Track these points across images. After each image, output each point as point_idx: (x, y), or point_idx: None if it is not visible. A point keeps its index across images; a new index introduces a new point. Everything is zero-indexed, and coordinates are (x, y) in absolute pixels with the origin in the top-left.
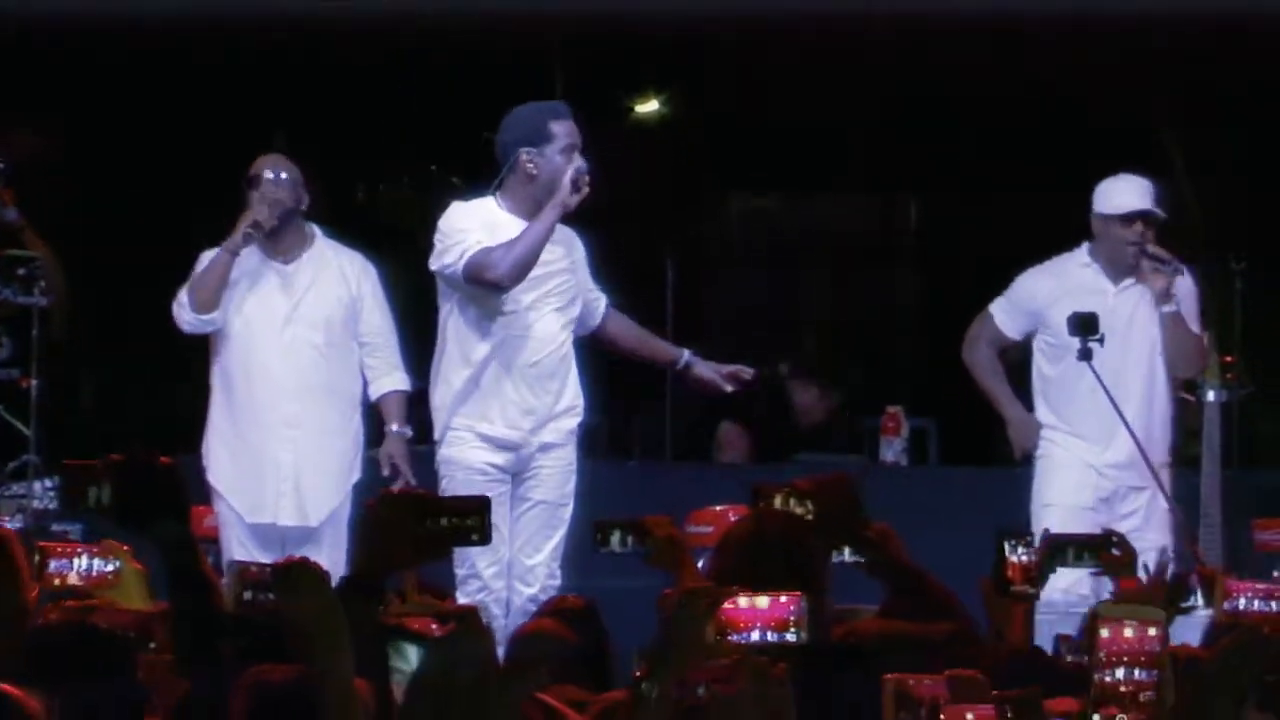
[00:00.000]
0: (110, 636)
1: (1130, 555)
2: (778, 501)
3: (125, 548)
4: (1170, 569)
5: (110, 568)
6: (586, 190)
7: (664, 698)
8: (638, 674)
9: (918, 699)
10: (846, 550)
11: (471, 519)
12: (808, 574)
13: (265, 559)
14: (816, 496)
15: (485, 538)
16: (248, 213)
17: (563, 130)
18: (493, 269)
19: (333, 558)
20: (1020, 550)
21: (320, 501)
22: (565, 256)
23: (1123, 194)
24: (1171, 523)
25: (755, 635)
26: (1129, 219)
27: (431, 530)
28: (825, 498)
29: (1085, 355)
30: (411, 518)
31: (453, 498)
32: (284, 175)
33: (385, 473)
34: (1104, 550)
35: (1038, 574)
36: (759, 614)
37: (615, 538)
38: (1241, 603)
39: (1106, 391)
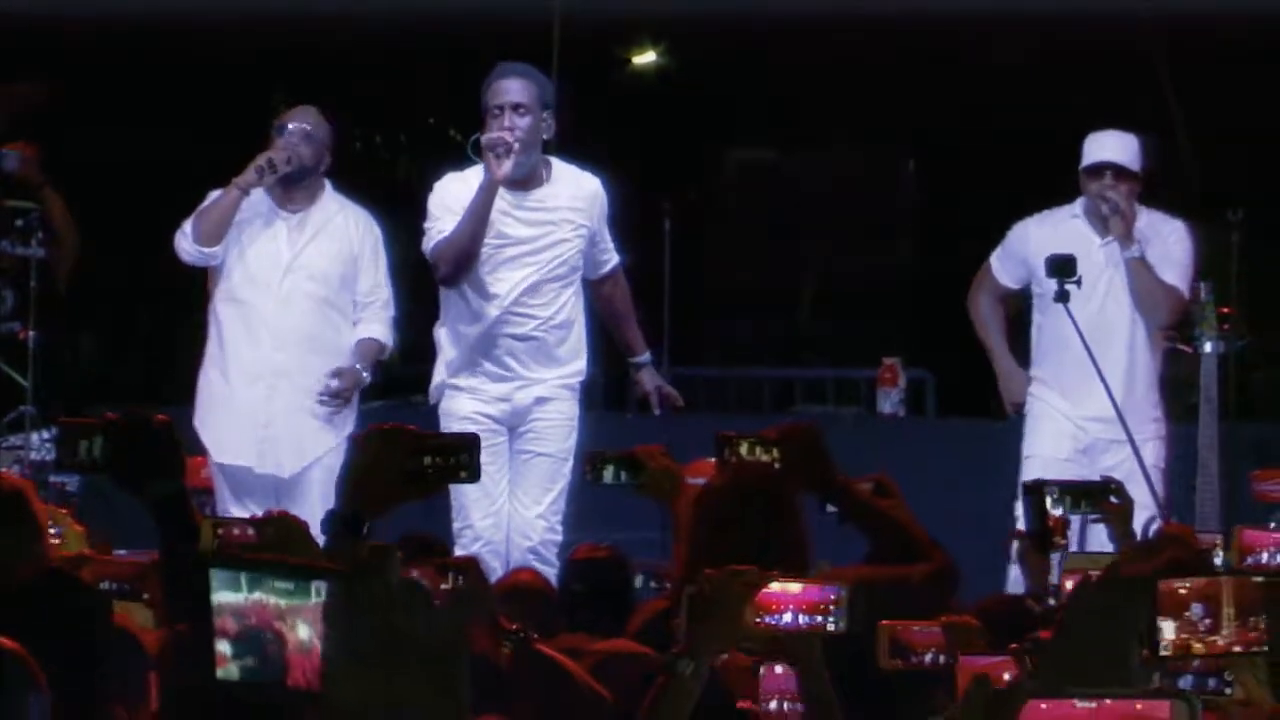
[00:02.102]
0: (84, 588)
1: (1128, 504)
2: (744, 449)
3: (64, 510)
4: (1153, 529)
5: (54, 530)
6: (509, 154)
7: (698, 675)
8: (675, 650)
9: (915, 645)
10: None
11: (460, 456)
12: (786, 521)
13: (257, 508)
14: (781, 445)
15: (474, 475)
16: (266, 151)
17: (491, 94)
18: (437, 268)
19: (326, 508)
20: (1059, 503)
21: (298, 453)
22: (568, 221)
23: (1094, 147)
24: (1158, 478)
25: (788, 618)
26: (1096, 170)
27: (420, 468)
28: (790, 445)
29: (1061, 297)
30: (400, 455)
31: (441, 434)
32: (312, 132)
33: (320, 389)
34: (1102, 498)
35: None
36: (795, 598)
37: (609, 471)
38: (1264, 557)
39: (1083, 338)
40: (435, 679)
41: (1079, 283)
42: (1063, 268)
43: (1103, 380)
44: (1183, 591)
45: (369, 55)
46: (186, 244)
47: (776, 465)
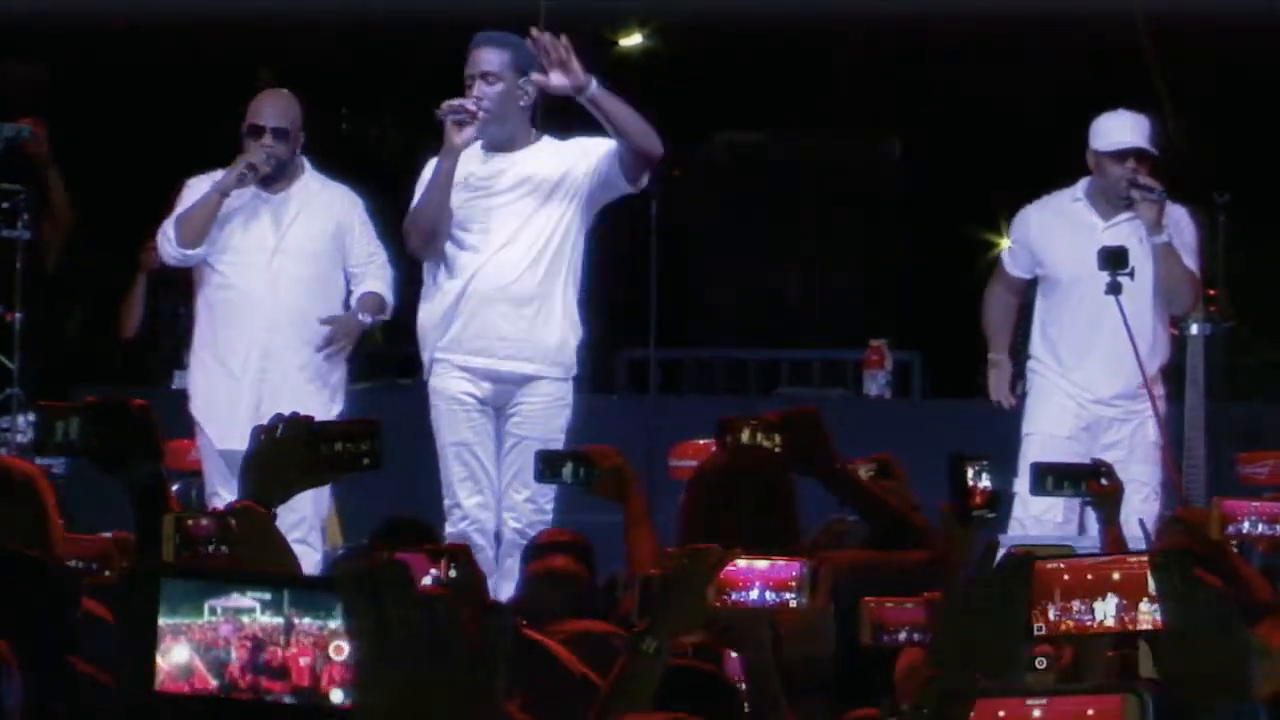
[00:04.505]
0: (49, 565)
1: (1118, 486)
2: (745, 435)
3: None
4: (1160, 519)
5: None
6: (471, 119)
7: (660, 654)
8: (637, 629)
9: (889, 623)
10: None
11: (363, 444)
12: (780, 507)
13: None
14: (784, 429)
15: (376, 463)
16: (244, 155)
17: (467, 65)
18: (408, 239)
19: (315, 492)
20: (984, 475)
21: None
22: (548, 178)
23: (1116, 130)
24: (1158, 456)
25: (755, 594)
26: (1121, 155)
27: (324, 454)
28: (792, 430)
29: (1114, 289)
30: (305, 442)
31: (345, 421)
32: (286, 127)
33: (320, 337)
34: (1092, 480)
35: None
36: (760, 574)
37: (567, 470)
38: (1245, 526)
39: (1128, 329)
40: (472, 692)
41: (1132, 274)
42: (1115, 259)
43: (1138, 358)
44: (1058, 571)
45: (355, 37)
46: (170, 247)
47: (777, 450)
